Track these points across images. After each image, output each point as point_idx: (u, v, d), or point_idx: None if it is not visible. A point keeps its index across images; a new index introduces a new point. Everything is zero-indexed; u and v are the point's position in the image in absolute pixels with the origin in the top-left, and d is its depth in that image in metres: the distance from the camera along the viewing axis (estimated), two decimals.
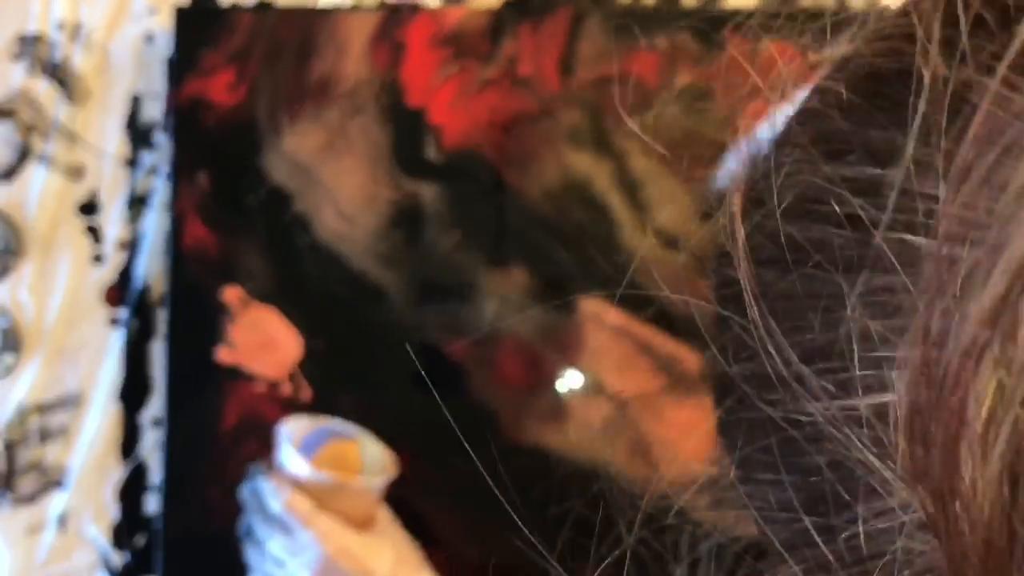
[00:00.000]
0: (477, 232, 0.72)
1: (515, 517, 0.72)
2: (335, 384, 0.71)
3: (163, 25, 0.76)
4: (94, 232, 0.75)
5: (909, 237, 0.22)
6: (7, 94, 0.75)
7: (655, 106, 0.72)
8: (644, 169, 0.72)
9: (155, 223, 0.75)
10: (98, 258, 0.75)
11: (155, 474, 0.74)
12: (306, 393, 0.71)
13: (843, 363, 0.23)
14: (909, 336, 0.21)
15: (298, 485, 0.62)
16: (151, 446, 0.74)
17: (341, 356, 0.71)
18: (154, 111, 0.76)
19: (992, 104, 0.20)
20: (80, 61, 0.76)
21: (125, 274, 0.75)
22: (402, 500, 0.71)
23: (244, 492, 0.65)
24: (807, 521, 0.26)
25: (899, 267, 0.22)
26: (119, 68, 0.76)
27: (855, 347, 0.23)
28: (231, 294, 0.72)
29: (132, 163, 0.76)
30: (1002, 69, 0.20)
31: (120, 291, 0.75)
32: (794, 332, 0.25)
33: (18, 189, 0.75)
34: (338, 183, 0.73)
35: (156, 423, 0.74)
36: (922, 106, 0.22)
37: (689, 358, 0.71)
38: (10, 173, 0.75)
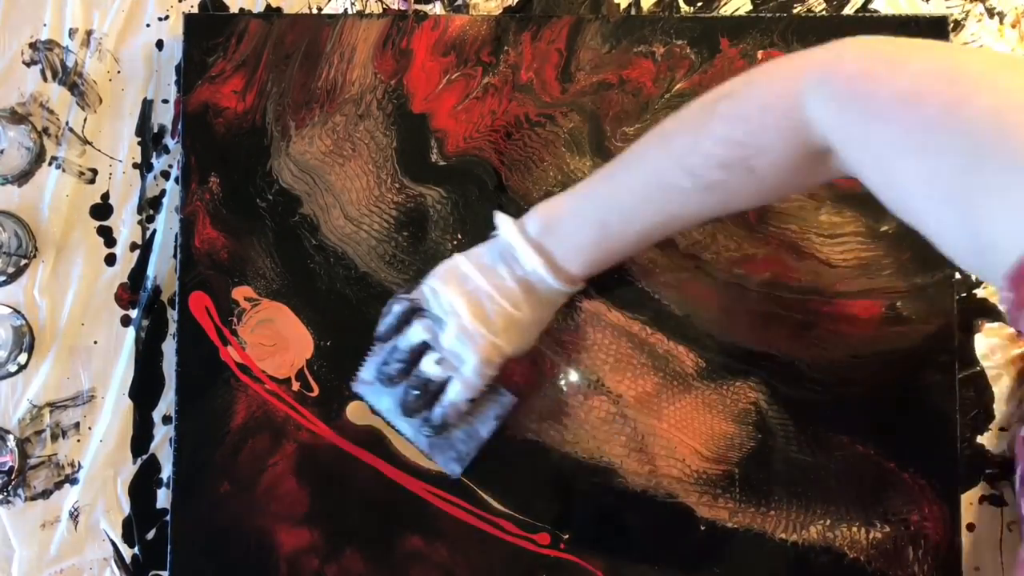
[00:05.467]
0: (480, 234, 0.73)
1: (519, 509, 0.74)
2: (343, 382, 0.73)
3: (173, 32, 0.78)
4: (106, 234, 0.76)
5: None
6: (21, 99, 0.77)
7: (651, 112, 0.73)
8: None
9: (166, 225, 0.76)
10: (110, 259, 0.76)
11: (166, 470, 0.75)
12: (314, 391, 0.73)
13: None
14: None
15: None
16: (162, 442, 0.75)
17: (348, 354, 0.72)
18: (164, 116, 0.77)
19: None
20: (92, 67, 0.77)
21: (136, 275, 0.76)
22: (406, 495, 0.72)
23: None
24: None
25: None
26: (130, 74, 0.78)
27: None
28: (240, 294, 0.73)
29: (143, 167, 0.77)
30: None
31: (131, 291, 0.76)
32: None
33: (32, 191, 0.76)
34: (345, 186, 0.74)
35: (167, 420, 0.75)
36: None
37: (685, 357, 0.72)
38: (24, 176, 0.76)
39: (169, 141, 0.77)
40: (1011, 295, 0.36)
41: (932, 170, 0.40)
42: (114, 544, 0.75)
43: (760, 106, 0.48)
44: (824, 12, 0.77)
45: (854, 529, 0.70)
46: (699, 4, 0.77)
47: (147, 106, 0.77)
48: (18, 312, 0.75)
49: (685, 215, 0.56)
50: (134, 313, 0.76)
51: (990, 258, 0.38)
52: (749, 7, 0.77)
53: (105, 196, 0.77)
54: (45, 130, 0.77)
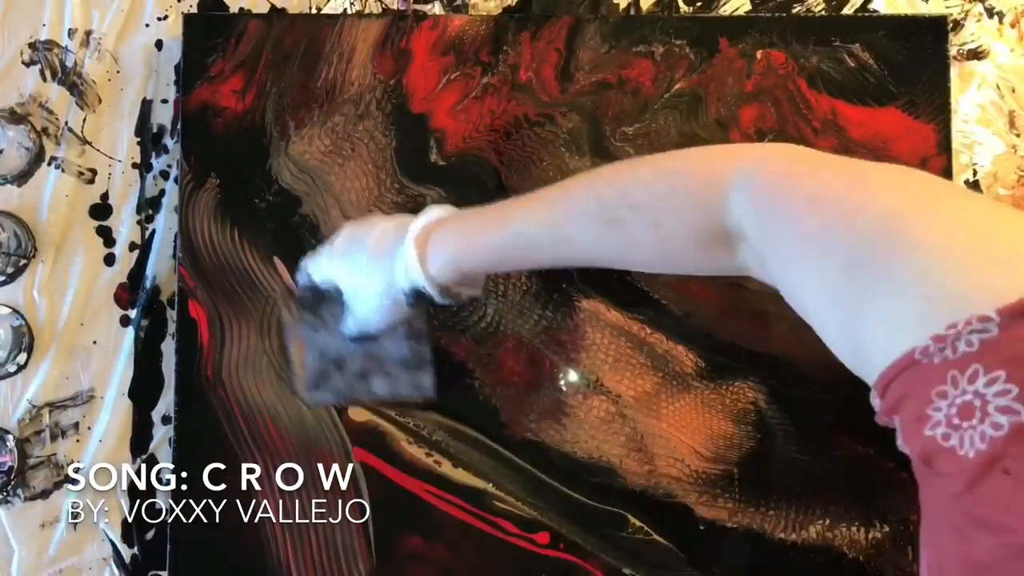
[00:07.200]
0: None
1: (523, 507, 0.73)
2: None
3: (172, 32, 0.77)
4: (105, 234, 0.76)
5: None
6: (20, 99, 0.77)
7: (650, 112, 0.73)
8: None
9: (165, 225, 0.76)
10: (109, 259, 0.76)
11: (165, 470, 0.75)
12: None
13: None
14: None
15: None
16: (162, 442, 0.75)
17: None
18: (163, 116, 0.77)
19: None
20: (91, 67, 0.77)
21: (135, 275, 0.76)
22: (406, 495, 0.72)
23: None
24: None
25: None
26: (129, 74, 0.78)
27: None
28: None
29: (142, 167, 0.77)
30: None
31: (131, 291, 0.76)
32: None
33: (31, 192, 0.76)
34: (344, 186, 0.74)
35: (167, 420, 0.75)
36: None
37: (685, 356, 0.72)
38: (24, 176, 0.76)
39: (168, 141, 0.77)
40: (880, 402, 0.38)
41: (821, 271, 0.42)
42: (113, 544, 0.75)
43: (689, 171, 0.50)
44: (823, 12, 0.76)
45: (853, 529, 0.70)
46: (698, 4, 0.77)
47: (146, 106, 0.77)
48: (17, 312, 0.75)
49: (579, 245, 0.54)
50: (133, 313, 0.76)
51: (864, 362, 0.40)
52: (748, 7, 0.77)
53: (104, 196, 0.77)
54: (44, 130, 0.77)
